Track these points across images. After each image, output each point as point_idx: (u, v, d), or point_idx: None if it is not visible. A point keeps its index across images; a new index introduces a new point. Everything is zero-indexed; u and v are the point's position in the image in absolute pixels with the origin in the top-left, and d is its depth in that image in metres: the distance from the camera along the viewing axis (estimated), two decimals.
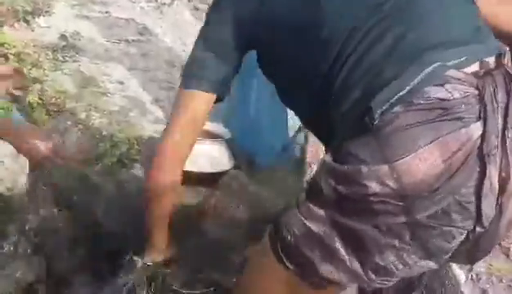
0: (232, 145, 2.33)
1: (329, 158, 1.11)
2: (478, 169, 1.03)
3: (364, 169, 1.03)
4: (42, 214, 2.00)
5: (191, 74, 1.44)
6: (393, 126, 1.03)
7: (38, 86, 2.66)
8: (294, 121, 2.70)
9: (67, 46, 3.35)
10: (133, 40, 3.87)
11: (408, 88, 1.04)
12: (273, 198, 2.19)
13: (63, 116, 2.65)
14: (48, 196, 2.05)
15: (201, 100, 1.44)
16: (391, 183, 1.02)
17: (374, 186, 1.02)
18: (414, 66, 1.07)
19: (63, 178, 2.12)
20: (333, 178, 1.08)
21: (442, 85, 1.04)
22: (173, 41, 4.07)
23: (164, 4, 4.60)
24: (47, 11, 3.85)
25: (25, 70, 2.74)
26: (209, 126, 2.38)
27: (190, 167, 2.15)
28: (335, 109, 1.17)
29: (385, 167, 1.02)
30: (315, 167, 2.82)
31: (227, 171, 2.23)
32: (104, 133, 2.49)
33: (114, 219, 2.02)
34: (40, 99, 2.63)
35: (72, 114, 2.68)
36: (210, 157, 2.18)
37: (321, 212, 1.09)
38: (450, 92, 1.03)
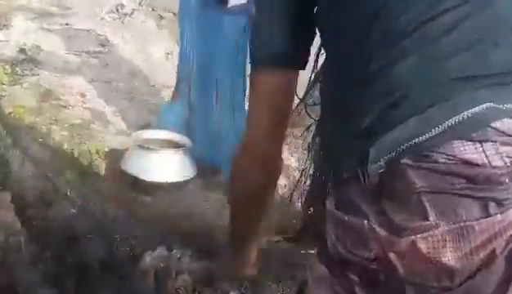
0: (193, 154, 2.34)
1: (331, 205, 0.89)
2: (506, 271, 0.78)
3: (366, 226, 0.82)
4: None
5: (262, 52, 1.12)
6: (400, 182, 0.78)
7: None
8: None
9: (26, 60, 3.32)
10: (94, 51, 3.85)
11: (427, 136, 0.76)
12: None
13: (23, 131, 2.62)
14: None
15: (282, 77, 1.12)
16: (393, 258, 0.81)
17: (376, 249, 0.82)
18: (452, 96, 0.77)
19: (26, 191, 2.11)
20: (335, 230, 0.88)
21: (480, 142, 0.75)
22: (135, 51, 4.06)
23: (125, 14, 4.60)
24: (5, 25, 3.81)
25: None
26: (172, 136, 2.39)
27: (152, 176, 2.18)
28: (352, 123, 0.88)
29: (387, 236, 0.80)
30: None
31: (189, 179, 2.25)
32: (65, 147, 2.47)
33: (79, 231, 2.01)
34: None
35: (32, 129, 2.66)
36: (173, 166, 2.20)
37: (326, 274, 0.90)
38: (487, 156, 0.75)
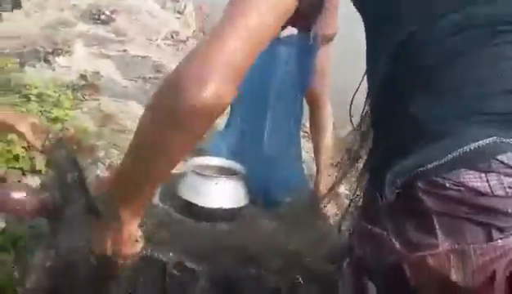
0: (246, 181, 2.37)
1: (359, 216, 1.00)
2: (506, 291, 0.85)
3: (385, 237, 0.91)
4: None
5: None
6: (414, 203, 0.87)
7: (58, 126, 2.75)
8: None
9: (86, 85, 3.45)
10: (150, 77, 3.98)
11: (437, 163, 0.84)
12: (288, 233, 2.24)
13: (82, 154, 2.72)
14: None
15: None
16: (406, 270, 0.89)
17: (392, 259, 0.90)
18: (463, 130, 0.86)
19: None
20: (359, 238, 0.98)
21: (484, 172, 0.83)
22: None
23: (180, 41, 4.73)
24: (67, 51, 3.99)
25: (46, 110, 2.83)
26: (224, 162, 2.44)
27: (206, 202, 2.22)
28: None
29: (401, 249, 0.89)
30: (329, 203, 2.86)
31: (243, 206, 2.27)
32: None
33: None
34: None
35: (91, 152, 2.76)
36: (227, 193, 2.23)
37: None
38: (490, 186, 0.82)
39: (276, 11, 0.96)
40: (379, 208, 0.92)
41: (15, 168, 2.37)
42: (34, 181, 2.41)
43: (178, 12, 5.64)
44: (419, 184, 0.85)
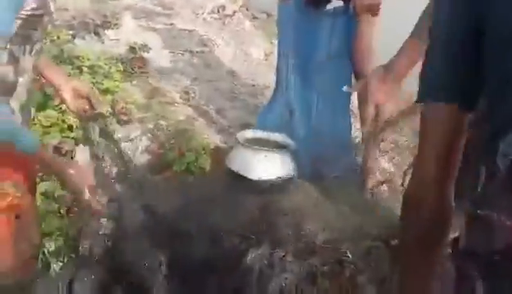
0: (294, 155, 2.37)
1: (465, 202, 0.98)
2: None
3: (495, 218, 0.88)
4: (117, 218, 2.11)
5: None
6: None
7: (109, 97, 2.79)
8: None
9: (135, 58, 3.49)
10: (197, 51, 3.99)
11: None
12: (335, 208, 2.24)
13: (133, 125, 2.77)
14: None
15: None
16: None
17: (502, 241, 0.88)
18: None
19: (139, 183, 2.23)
20: (466, 225, 0.96)
21: None
22: (235, 51, 4.17)
23: (227, 16, 4.72)
24: (115, 24, 4.03)
25: (98, 81, 2.88)
26: (272, 135, 2.45)
27: (255, 175, 2.24)
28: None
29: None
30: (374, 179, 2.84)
31: (291, 179, 2.28)
32: (172, 142, 2.59)
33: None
34: (112, 108, 2.77)
35: (141, 124, 2.80)
36: (276, 166, 2.24)
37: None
38: None
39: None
40: (487, 188, 0.91)
41: (68, 138, 2.43)
42: (86, 151, 2.47)
43: None
44: None
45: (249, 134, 2.45)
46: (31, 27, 1.40)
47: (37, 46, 1.47)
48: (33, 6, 1.37)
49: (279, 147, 2.37)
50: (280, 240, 1.99)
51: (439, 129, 1.01)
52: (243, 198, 2.23)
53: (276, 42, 3.06)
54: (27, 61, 1.46)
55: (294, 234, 2.05)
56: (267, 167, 2.23)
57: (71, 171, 1.53)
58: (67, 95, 1.77)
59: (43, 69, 1.70)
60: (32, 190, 1.66)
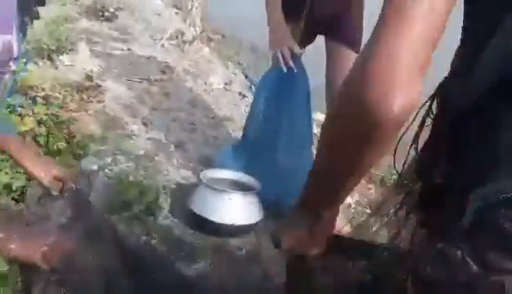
0: (260, 195, 2.32)
1: (428, 235, 0.99)
2: None
3: (459, 256, 0.87)
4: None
5: None
6: (494, 228, 0.84)
7: (65, 130, 2.67)
8: None
9: (91, 87, 3.37)
10: (156, 79, 3.89)
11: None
12: None
13: (89, 160, 2.66)
14: None
15: None
16: (481, 292, 0.85)
17: (464, 279, 0.86)
18: None
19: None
20: (427, 255, 0.94)
21: None
22: (194, 80, 4.10)
23: (185, 42, 4.65)
24: (70, 49, 3.89)
25: (53, 113, 2.75)
26: (237, 175, 2.38)
27: (220, 218, 2.16)
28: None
29: (477, 270, 0.85)
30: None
31: (257, 222, 2.22)
32: (130, 179, 2.48)
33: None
34: (67, 142, 2.65)
35: (98, 158, 2.69)
36: (241, 209, 2.17)
37: None
38: None
39: None
40: (453, 228, 0.88)
41: None
42: None
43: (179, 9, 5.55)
44: (503, 210, 0.82)
45: (212, 173, 2.38)
46: None
47: None
48: None
49: (243, 187, 2.31)
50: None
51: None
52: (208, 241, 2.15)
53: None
54: None
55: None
56: (232, 210, 2.16)
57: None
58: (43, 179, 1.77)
59: (14, 153, 1.65)
60: None
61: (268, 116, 2.46)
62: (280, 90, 2.43)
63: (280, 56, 2.34)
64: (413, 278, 0.97)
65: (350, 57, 2.55)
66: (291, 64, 2.32)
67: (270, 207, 2.35)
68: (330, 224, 1.23)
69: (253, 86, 4.44)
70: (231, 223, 2.13)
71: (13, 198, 2.25)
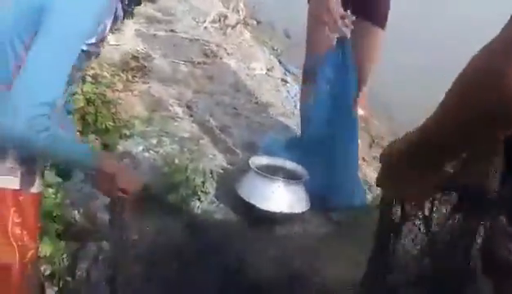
0: (307, 186, 2.29)
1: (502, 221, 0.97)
2: None
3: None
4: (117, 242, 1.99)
5: None
6: None
7: (112, 109, 2.68)
8: None
9: (136, 67, 3.37)
10: (198, 62, 3.87)
11: None
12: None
13: (134, 141, 2.66)
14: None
15: None
16: None
17: None
18: None
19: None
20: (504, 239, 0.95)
21: None
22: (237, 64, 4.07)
23: (228, 26, 4.62)
24: (116, 29, 3.89)
25: (101, 92, 2.76)
26: (288, 164, 2.35)
27: (268, 206, 2.14)
28: None
29: None
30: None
31: (303, 212, 2.20)
32: (176, 161, 2.48)
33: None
34: (114, 122, 2.65)
35: (143, 139, 2.69)
36: (289, 197, 2.16)
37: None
38: None
39: None
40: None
41: None
42: None
43: None
44: None
45: (263, 160, 2.35)
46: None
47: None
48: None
49: (292, 176, 2.29)
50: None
51: None
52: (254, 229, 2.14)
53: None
54: None
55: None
56: (281, 198, 2.14)
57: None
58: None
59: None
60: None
61: (325, 114, 2.40)
62: (336, 84, 2.37)
63: (339, 20, 2.23)
64: (487, 263, 0.99)
65: (378, 35, 2.49)
66: (351, 26, 2.25)
67: (316, 198, 2.33)
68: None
69: (287, 73, 4.38)
70: (279, 211, 2.11)
71: None
